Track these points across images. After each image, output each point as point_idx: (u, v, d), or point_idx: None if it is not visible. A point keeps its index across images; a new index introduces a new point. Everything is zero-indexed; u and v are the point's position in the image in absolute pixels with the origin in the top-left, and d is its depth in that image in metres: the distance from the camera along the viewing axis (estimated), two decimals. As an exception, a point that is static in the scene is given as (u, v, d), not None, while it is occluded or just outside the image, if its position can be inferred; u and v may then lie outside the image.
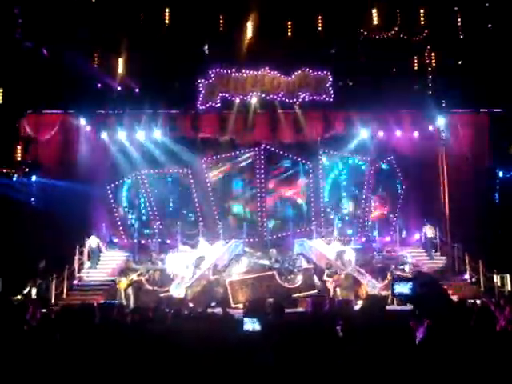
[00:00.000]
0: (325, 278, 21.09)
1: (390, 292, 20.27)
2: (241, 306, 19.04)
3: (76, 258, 22.01)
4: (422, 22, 24.63)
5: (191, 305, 18.57)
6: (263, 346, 4.10)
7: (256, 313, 7.58)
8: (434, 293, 2.84)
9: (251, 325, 3.90)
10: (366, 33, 24.16)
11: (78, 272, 22.01)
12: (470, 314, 7.33)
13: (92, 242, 23.21)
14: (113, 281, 21.36)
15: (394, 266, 21.63)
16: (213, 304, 17.27)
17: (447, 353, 4.11)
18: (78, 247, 22.17)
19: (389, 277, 21.11)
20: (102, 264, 23.29)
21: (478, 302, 13.65)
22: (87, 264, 22.87)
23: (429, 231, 24.32)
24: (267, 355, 4.02)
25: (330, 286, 20.90)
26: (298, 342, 4.24)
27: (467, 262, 22.27)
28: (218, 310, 14.92)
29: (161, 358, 4.37)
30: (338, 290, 20.86)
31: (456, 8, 23.71)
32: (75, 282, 21.60)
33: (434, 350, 4.14)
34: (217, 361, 4.14)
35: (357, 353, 4.18)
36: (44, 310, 13.41)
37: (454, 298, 18.45)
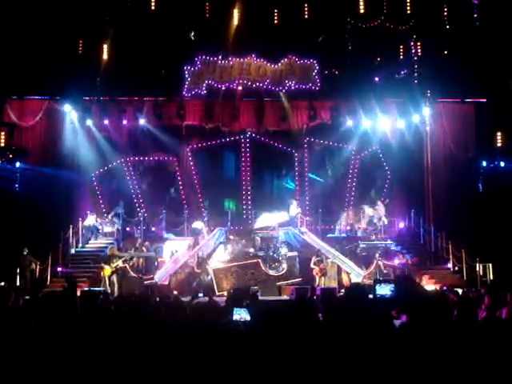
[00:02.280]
0: (311, 265, 21.13)
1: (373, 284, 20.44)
2: (225, 293, 19.09)
3: (60, 245, 21.90)
4: (408, 11, 24.62)
5: (175, 292, 18.61)
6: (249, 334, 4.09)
7: (238, 301, 7.62)
8: (413, 294, 2.88)
9: (239, 315, 3.90)
10: (352, 21, 24.09)
11: (63, 259, 21.90)
12: (451, 305, 7.40)
13: (89, 221, 23.57)
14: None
15: (378, 255, 21.77)
16: (200, 295, 17.34)
17: (428, 343, 4.16)
18: (62, 233, 22.05)
19: (373, 265, 21.31)
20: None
21: (460, 291, 13.76)
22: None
23: (368, 211, 24.59)
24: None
25: (316, 273, 20.97)
26: (279, 329, 4.28)
27: (450, 251, 22.44)
28: (204, 299, 14.96)
29: (144, 346, 4.39)
30: (323, 278, 20.97)
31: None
32: (59, 269, 21.51)
33: (414, 340, 4.19)
34: (203, 349, 4.16)
35: (338, 341, 4.22)
36: (27, 297, 13.40)
37: (437, 286, 18.68)
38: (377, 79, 24.28)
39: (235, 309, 3.93)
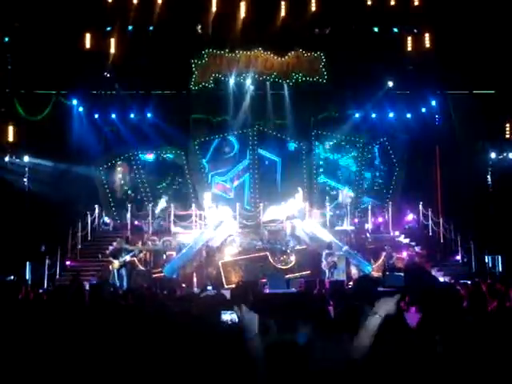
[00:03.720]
0: (322, 258, 21.06)
1: (382, 273, 20.41)
2: (234, 286, 19.09)
3: (69, 239, 21.94)
4: (417, 2, 24.48)
5: (184, 285, 18.65)
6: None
7: (244, 295, 7.60)
8: (425, 284, 2.85)
9: (229, 315, 3.75)
10: (360, 13, 23.98)
11: (72, 251, 21.96)
12: (461, 296, 7.35)
13: (161, 204, 24.14)
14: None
15: (387, 247, 21.72)
16: (209, 287, 17.36)
17: (439, 335, 4.13)
18: (71, 228, 22.09)
19: (382, 257, 21.29)
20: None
21: (469, 282, 13.73)
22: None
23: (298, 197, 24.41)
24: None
25: (326, 266, 20.92)
26: (286, 322, 4.27)
27: (459, 242, 22.37)
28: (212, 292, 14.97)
29: (152, 338, 4.37)
30: (333, 270, 20.91)
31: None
32: (68, 262, 21.56)
33: (425, 332, 4.17)
34: (209, 343, 4.15)
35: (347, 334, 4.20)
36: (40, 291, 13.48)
37: (446, 278, 18.67)
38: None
39: (222, 311, 3.78)
